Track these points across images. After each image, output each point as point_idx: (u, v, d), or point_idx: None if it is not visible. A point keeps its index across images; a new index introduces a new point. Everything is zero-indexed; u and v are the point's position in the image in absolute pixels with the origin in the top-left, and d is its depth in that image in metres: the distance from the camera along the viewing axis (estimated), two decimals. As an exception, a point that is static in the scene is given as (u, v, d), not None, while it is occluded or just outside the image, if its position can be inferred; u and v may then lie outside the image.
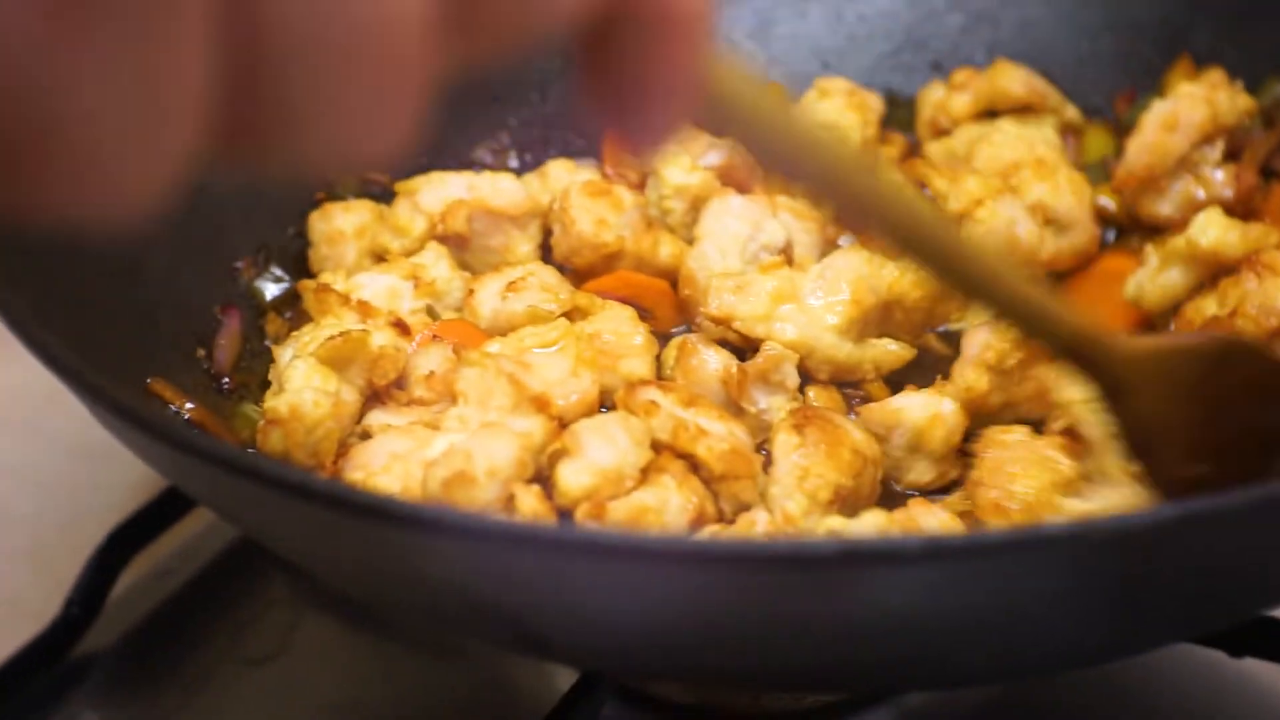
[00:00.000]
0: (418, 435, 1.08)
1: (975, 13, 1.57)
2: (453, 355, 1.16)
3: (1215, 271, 1.25)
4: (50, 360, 0.95)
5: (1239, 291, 1.21)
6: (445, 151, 1.44)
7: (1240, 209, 1.36)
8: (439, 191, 1.34)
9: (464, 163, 1.44)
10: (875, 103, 1.49)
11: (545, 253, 1.36)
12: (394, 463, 1.06)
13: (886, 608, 0.82)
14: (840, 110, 1.47)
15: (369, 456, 1.08)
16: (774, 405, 1.15)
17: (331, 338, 1.13)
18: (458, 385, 1.10)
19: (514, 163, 1.50)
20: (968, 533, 0.94)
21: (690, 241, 1.33)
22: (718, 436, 1.08)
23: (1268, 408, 1.06)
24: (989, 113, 1.47)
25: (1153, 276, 1.27)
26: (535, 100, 1.53)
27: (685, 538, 0.95)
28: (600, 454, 1.05)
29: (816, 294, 1.21)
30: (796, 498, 1.06)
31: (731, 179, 1.37)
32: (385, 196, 1.37)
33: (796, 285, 1.21)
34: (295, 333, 1.19)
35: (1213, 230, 1.24)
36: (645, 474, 1.07)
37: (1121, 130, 1.46)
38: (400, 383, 1.17)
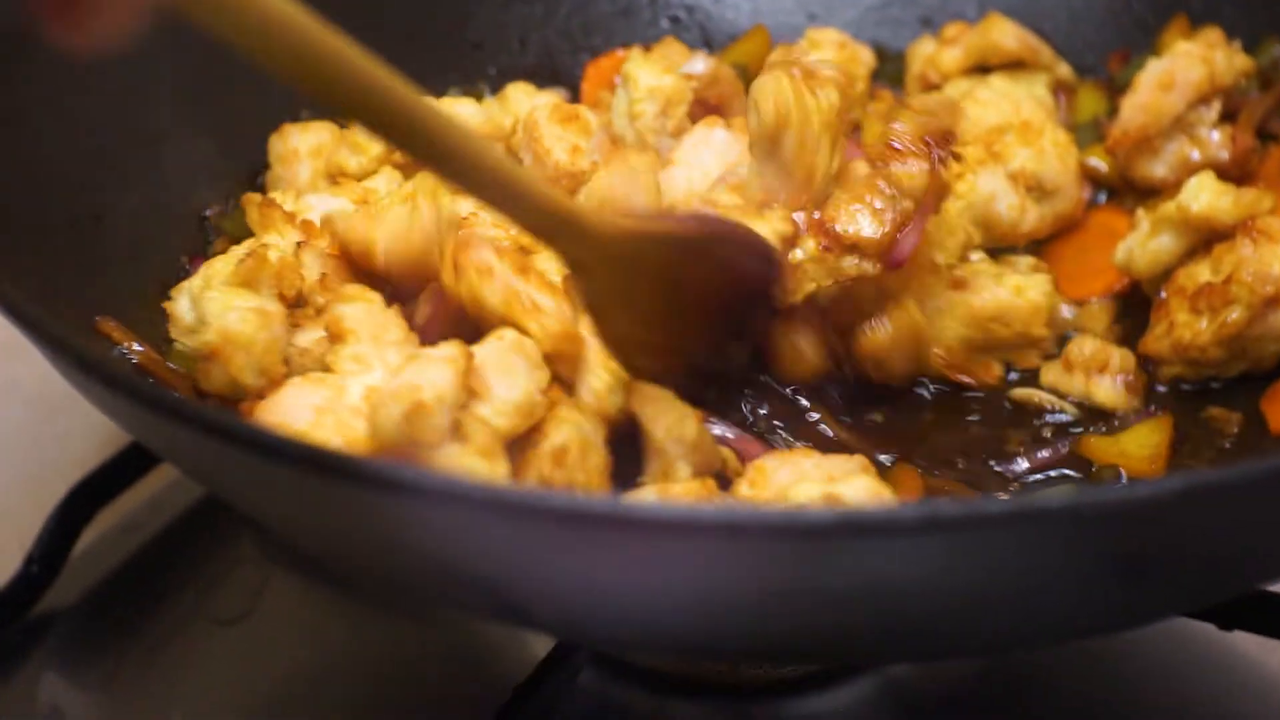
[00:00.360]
0: (328, 383, 1.04)
1: (967, -33, 1.54)
2: (331, 254, 1.14)
3: (1208, 237, 1.22)
4: (10, 309, 0.92)
5: (1234, 257, 1.18)
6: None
7: (1236, 171, 1.33)
8: None
9: (441, 109, 1.40)
10: (866, 56, 1.46)
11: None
12: (321, 416, 1.02)
13: (882, 578, 0.79)
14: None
15: (285, 413, 1.04)
16: None
17: (242, 260, 1.11)
18: (344, 324, 1.07)
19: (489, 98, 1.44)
20: (966, 503, 0.91)
21: (655, 151, 1.30)
22: (550, 314, 1.06)
23: (736, 290, 1.10)
24: (979, 69, 1.44)
25: (1143, 242, 1.25)
26: (516, 49, 1.49)
27: (674, 506, 0.92)
28: (507, 390, 1.01)
29: None
30: (600, 374, 1.06)
31: (713, 91, 1.34)
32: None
33: None
34: (184, 283, 1.16)
35: (1205, 195, 1.21)
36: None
37: (1115, 90, 1.43)
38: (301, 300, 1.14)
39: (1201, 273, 1.21)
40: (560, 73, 1.50)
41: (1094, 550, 0.82)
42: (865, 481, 0.97)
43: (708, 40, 1.54)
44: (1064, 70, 1.45)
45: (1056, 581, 0.84)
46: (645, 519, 0.76)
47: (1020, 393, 1.21)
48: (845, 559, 0.78)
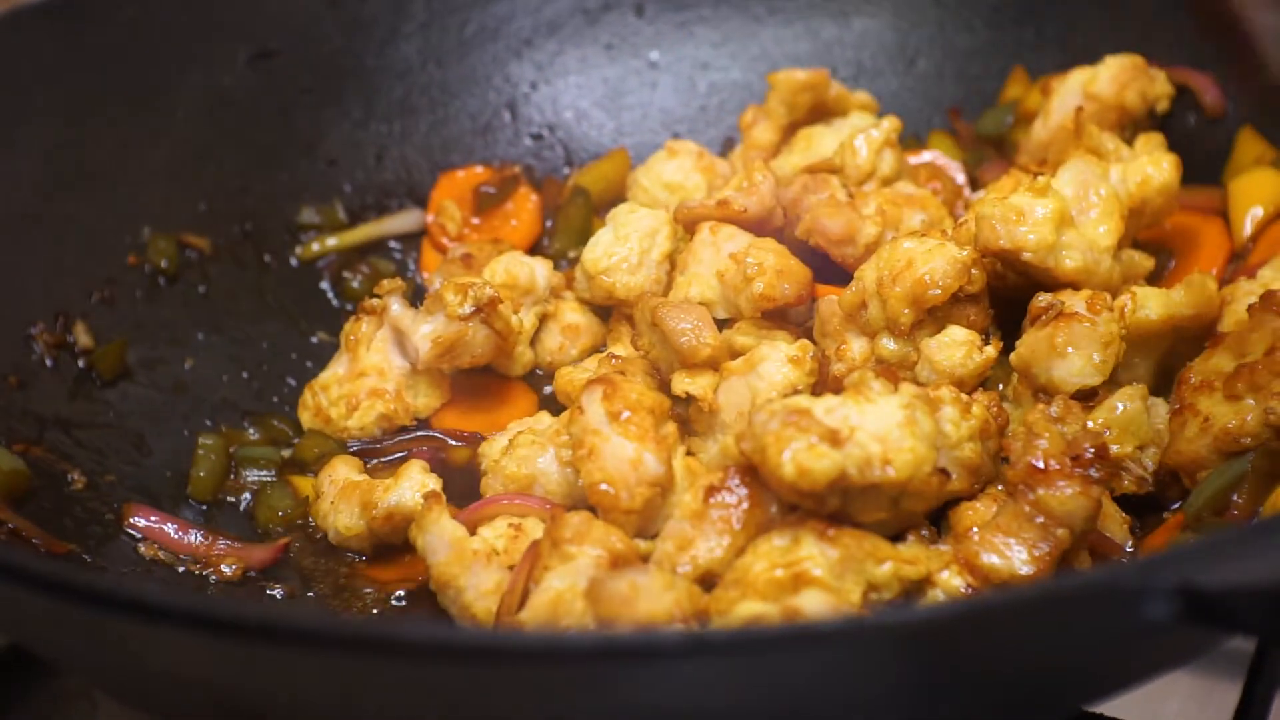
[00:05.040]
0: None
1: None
2: None
3: (1172, 341, 1.16)
4: None
5: (1263, 334, 1.09)
6: (272, 213, 1.39)
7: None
8: None
9: (289, 224, 1.41)
10: (723, 168, 1.45)
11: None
12: None
13: (651, 707, 0.76)
14: (686, 171, 1.43)
15: None
16: None
17: None
18: None
19: (343, 216, 1.44)
20: (740, 625, 0.89)
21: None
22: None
23: None
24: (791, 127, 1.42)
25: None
26: (371, 165, 1.47)
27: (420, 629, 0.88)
28: None
29: (1089, 213, 1.13)
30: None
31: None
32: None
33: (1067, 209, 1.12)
34: None
35: (1152, 301, 1.14)
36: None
37: (961, 137, 1.46)
38: None
39: (1222, 363, 1.12)
40: (416, 189, 1.49)
41: (883, 674, 0.79)
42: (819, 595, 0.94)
43: (570, 158, 1.53)
44: (862, 96, 1.44)
45: (852, 706, 0.81)
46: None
47: None
48: (610, 687, 0.75)
